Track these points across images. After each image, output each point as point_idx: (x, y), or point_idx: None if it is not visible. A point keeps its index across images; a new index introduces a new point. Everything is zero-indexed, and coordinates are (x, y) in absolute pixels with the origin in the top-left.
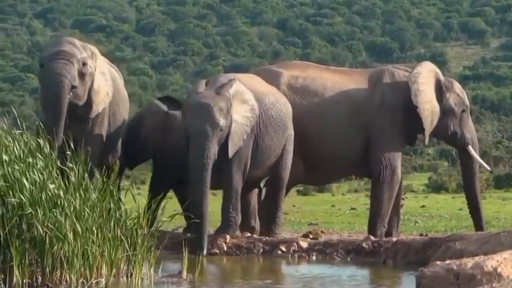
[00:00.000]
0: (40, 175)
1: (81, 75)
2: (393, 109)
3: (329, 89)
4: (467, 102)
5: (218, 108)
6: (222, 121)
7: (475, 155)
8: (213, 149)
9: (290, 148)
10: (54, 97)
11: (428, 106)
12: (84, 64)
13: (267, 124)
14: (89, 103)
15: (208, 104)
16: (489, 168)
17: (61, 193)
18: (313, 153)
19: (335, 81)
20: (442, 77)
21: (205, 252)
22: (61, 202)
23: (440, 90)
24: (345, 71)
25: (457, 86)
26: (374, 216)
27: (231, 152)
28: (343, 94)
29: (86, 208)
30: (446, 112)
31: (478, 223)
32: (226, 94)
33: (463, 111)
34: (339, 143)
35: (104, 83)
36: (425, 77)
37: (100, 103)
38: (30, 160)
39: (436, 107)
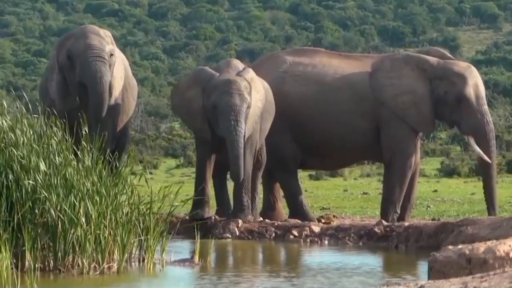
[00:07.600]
0: (54, 159)
1: (110, 66)
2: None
3: None
4: None
5: (244, 86)
6: (249, 98)
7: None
8: (244, 123)
9: None
10: (98, 97)
11: None
12: (111, 55)
13: (267, 109)
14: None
15: (236, 81)
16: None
17: (75, 177)
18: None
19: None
20: None
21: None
22: (75, 186)
23: None
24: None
25: None
26: (385, 201)
27: (245, 136)
28: None
29: (99, 192)
30: None
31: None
32: (247, 78)
33: None
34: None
35: (117, 66)
36: None
37: (117, 87)
38: (45, 144)
39: None
